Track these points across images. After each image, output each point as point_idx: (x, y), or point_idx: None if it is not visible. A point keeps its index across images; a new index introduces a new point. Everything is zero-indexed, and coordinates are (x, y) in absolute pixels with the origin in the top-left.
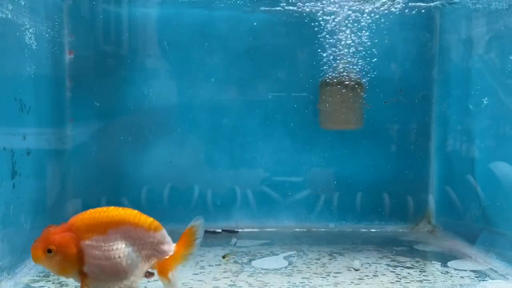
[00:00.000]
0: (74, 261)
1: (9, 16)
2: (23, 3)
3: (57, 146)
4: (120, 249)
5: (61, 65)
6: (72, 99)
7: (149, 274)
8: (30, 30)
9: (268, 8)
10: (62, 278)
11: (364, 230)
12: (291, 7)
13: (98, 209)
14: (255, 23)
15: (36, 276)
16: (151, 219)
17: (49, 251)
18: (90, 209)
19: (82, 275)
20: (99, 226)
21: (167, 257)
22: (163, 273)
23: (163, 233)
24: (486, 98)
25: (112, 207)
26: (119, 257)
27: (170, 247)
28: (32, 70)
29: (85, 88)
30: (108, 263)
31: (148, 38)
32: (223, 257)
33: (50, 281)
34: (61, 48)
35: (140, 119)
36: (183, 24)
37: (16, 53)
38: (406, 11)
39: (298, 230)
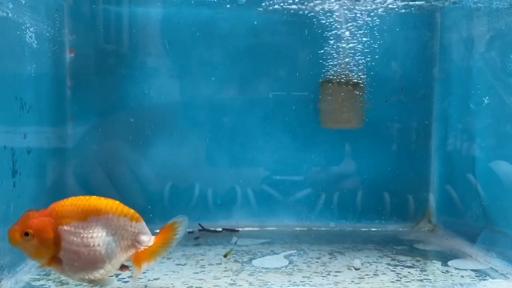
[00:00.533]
0: (50, 246)
1: (10, 15)
2: (23, 1)
3: (58, 145)
4: (100, 237)
5: (61, 64)
6: (72, 98)
7: (123, 267)
8: (31, 29)
9: (269, 7)
10: (62, 277)
11: (364, 229)
12: (291, 6)
13: (80, 197)
14: (255, 22)
15: (37, 275)
16: (133, 210)
17: (26, 234)
18: (72, 197)
19: (55, 261)
20: (80, 212)
21: (145, 247)
22: (137, 262)
23: (143, 224)
24: (487, 97)
25: (94, 196)
26: (98, 245)
27: (149, 239)
28: (32, 69)
29: (85, 86)
30: (86, 250)
31: (148, 36)
32: (224, 255)
33: (50, 279)
34: (61, 47)
35: (140, 118)
36: (184, 23)
37: (16, 52)
38: (407, 10)
39: (298, 229)
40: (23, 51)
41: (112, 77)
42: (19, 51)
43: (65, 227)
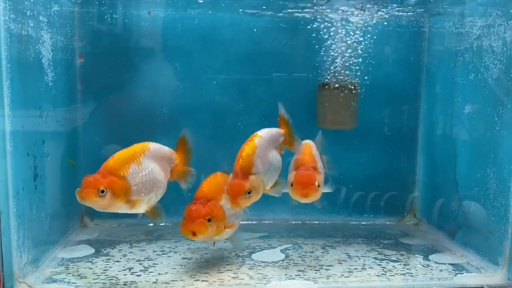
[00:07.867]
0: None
1: (30, 32)
2: (41, 18)
3: (70, 147)
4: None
5: (73, 70)
6: (82, 101)
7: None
8: (48, 42)
9: (269, 13)
10: (81, 270)
11: (354, 222)
12: (289, 14)
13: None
14: (255, 29)
15: (57, 269)
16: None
17: (102, 191)
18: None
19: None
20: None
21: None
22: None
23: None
24: (468, 105)
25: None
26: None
27: (172, 153)
28: (49, 78)
29: (94, 90)
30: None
31: (154, 42)
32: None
33: (70, 273)
34: (72, 54)
35: (147, 119)
36: (188, 29)
37: (37, 65)
38: (399, 21)
39: (293, 222)
40: (41, 64)
41: (120, 80)
42: (38, 64)
43: (129, 172)
